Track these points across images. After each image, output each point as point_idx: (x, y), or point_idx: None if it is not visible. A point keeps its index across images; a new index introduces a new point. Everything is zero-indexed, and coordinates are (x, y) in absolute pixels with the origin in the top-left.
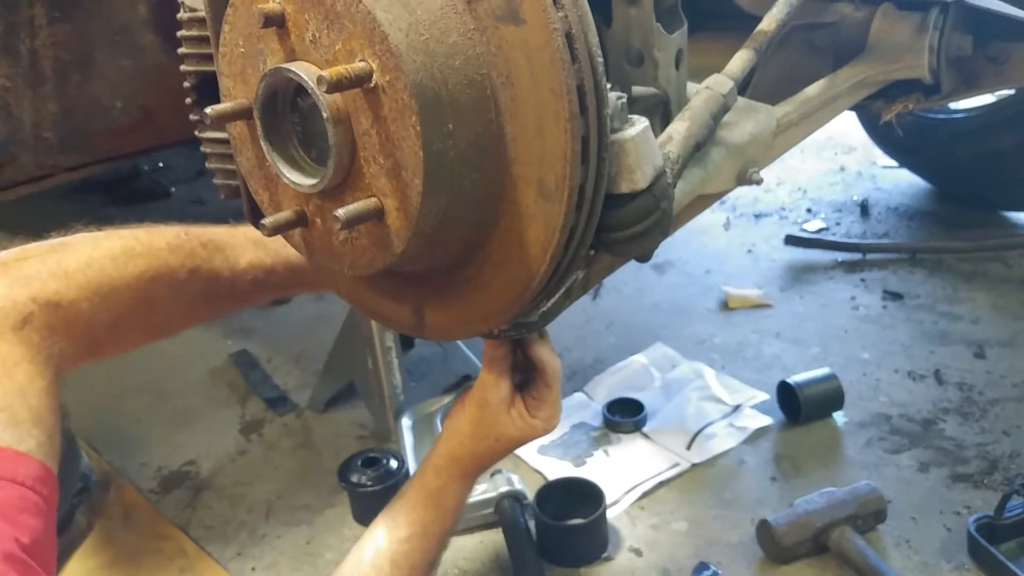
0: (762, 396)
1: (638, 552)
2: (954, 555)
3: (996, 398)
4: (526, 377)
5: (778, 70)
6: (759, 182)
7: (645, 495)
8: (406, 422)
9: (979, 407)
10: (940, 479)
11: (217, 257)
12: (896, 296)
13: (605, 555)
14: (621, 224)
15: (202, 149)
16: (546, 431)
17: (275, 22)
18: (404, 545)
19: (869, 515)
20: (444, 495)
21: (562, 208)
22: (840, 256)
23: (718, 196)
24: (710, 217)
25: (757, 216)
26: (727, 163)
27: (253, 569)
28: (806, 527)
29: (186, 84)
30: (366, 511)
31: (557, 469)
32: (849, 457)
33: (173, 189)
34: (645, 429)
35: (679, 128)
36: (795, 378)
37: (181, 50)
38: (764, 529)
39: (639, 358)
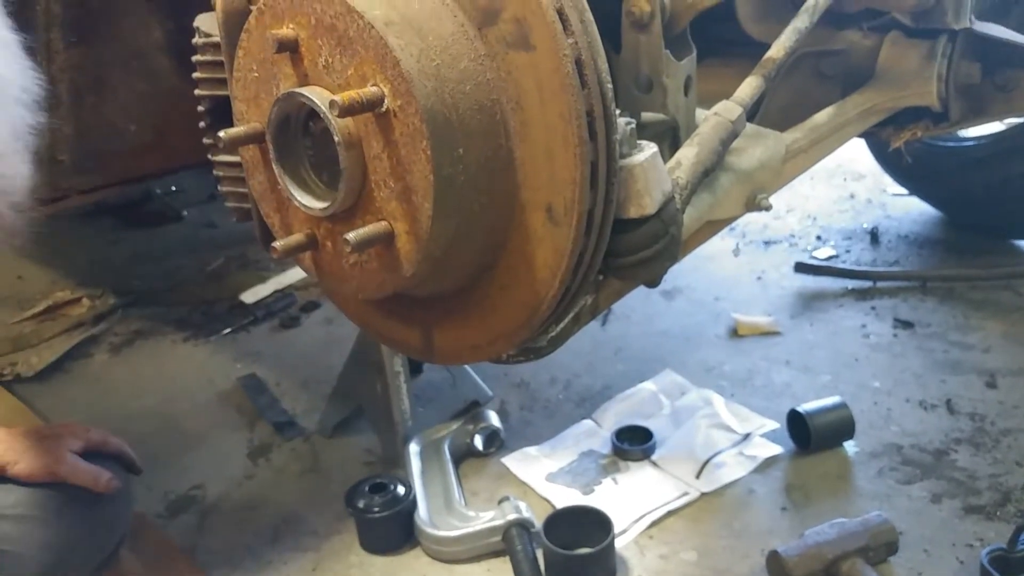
0: (772, 424)
1: None
2: None
3: (1008, 428)
4: None
5: (787, 97)
6: (768, 208)
7: (654, 524)
8: (414, 448)
9: (991, 437)
10: (952, 510)
11: None
12: (907, 324)
13: None
14: (630, 249)
15: (215, 172)
16: None
17: (289, 47)
18: None
19: (881, 547)
20: None
21: (571, 232)
22: (850, 284)
23: (727, 222)
24: (719, 244)
25: (766, 243)
26: (736, 189)
27: None
28: (817, 558)
29: (200, 108)
30: (373, 537)
31: (565, 497)
32: (860, 487)
33: (185, 212)
34: (654, 457)
35: (688, 154)
36: (805, 406)
37: (195, 74)
38: (774, 560)
39: (648, 385)
